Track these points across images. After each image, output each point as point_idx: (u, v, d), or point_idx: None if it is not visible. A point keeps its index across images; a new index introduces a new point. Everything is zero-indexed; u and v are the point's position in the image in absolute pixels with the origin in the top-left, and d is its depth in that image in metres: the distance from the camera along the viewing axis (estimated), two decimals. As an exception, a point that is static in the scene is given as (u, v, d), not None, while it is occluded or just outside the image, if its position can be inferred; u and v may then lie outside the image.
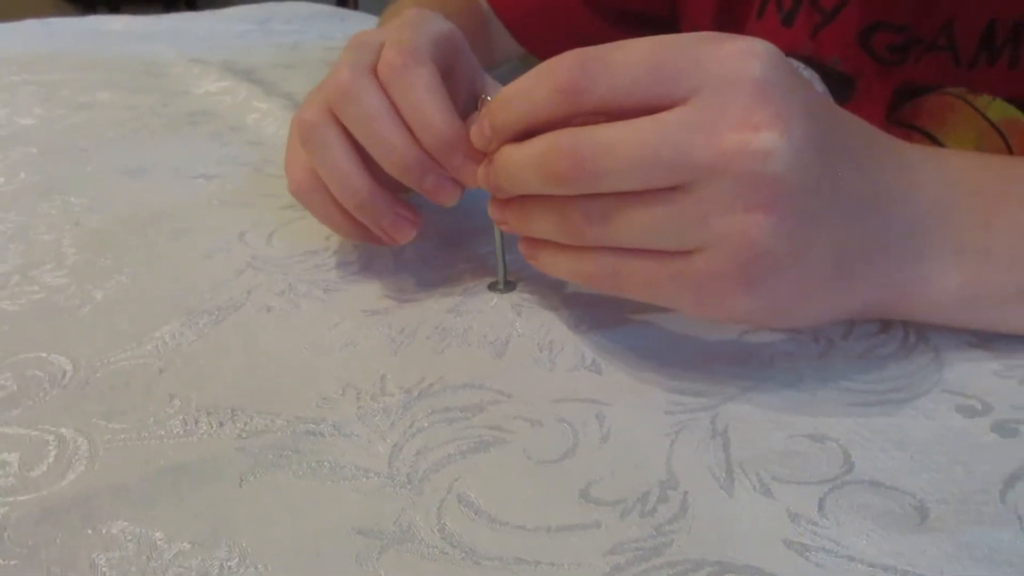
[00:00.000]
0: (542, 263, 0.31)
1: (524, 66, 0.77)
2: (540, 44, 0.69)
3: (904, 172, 0.29)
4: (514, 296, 0.36)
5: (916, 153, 0.30)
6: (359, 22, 1.03)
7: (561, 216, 0.28)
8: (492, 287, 0.36)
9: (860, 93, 0.59)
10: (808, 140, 0.25)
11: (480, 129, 0.30)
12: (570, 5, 0.66)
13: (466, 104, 0.38)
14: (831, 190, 0.26)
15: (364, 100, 0.33)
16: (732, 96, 0.25)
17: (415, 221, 0.35)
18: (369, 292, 0.37)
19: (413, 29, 0.36)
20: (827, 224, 0.27)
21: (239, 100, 0.67)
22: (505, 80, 0.37)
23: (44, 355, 0.33)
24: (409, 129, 0.33)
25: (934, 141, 0.58)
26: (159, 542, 0.24)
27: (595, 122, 0.27)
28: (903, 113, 0.60)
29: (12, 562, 0.23)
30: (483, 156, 0.32)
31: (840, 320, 0.30)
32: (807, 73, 0.62)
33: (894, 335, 0.32)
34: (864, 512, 0.24)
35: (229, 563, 0.23)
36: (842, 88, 0.61)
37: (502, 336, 0.33)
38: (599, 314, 0.34)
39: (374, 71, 0.34)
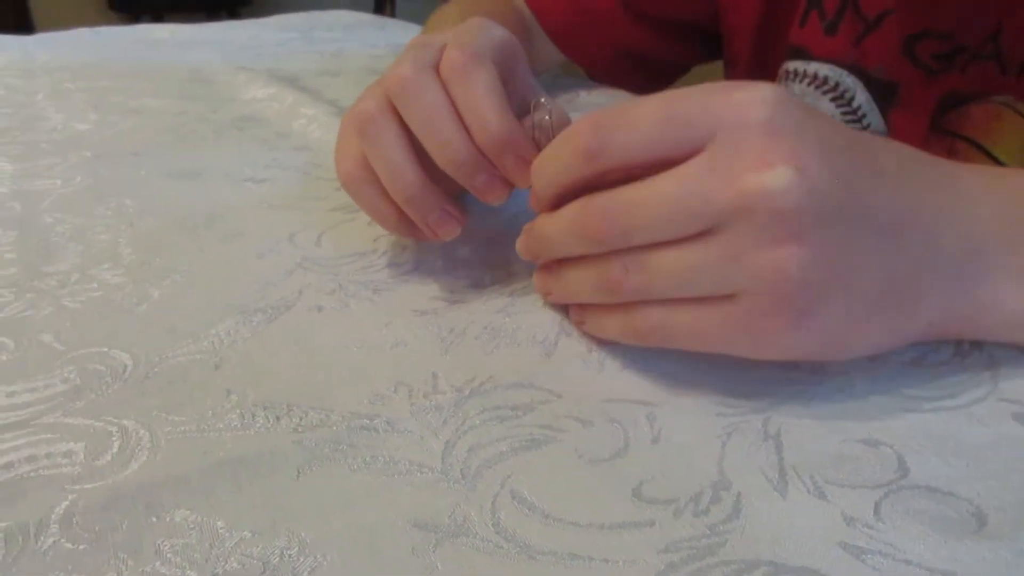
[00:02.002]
0: (590, 326, 0.32)
1: (565, 74, 0.78)
2: (581, 52, 0.70)
3: (952, 190, 0.29)
4: (562, 298, 0.36)
5: (965, 170, 0.30)
6: (399, 30, 1.04)
7: (600, 273, 0.29)
8: (540, 290, 0.37)
9: (903, 101, 0.59)
10: (824, 169, 0.26)
11: (532, 195, 0.33)
12: (612, 14, 0.66)
13: (519, 110, 0.39)
14: (861, 214, 0.27)
15: (424, 95, 0.34)
16: (745, 139, 0.26)
17: (461, 219, 0.36)
18: (418, 293, 0.37)
19: (476, 34, 0.37)
20: (865, 248, 0.27)
21: (286, 106, 0.68)
22: (547, 87, 0.38)
23: (105, 350, 0.33)
24: (465, 127, 0.34)
25: (979, 149, 0.57)
26: (221, 530, 0.24)
27: (624, 182, 0.28)
28: (948, 122, 0.59)
29: (81, 547, 0.24)
30: (534, 156, 0.33)
31: (901, 346, 0.30)
32: (850, 81, 0.62)
33: (947, 343, 0.32)
34: (920, 517, 0.24)
35: (289, 552, 0.23)
36: (886, 97, 0.61)
37: (551, 336, 0.34)
38: (647, 317, 0.34)
39: (436, 69, 0.35)
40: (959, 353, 0.31)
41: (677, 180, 0.27)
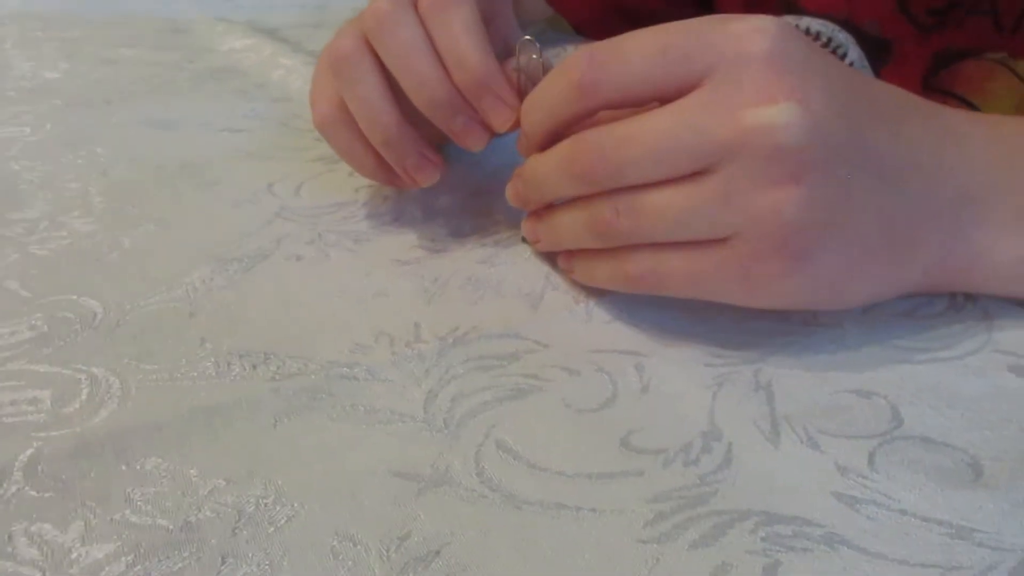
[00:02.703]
0: (580, 272, 0.31)
1: (551, 28, 0.76)
2: (569, 5, 0.68)
3: (951, 137, 0.28)
4: (549, 249, 0.35)
5: (964, 117, 0.29)
6: (383, -15, 1.01)
7: (590, 216, 0.28)
8: (526, 239, 0.36)
9: (897, 58, 0.58)
10: (828, 108, 0.25)
11: (520, 139, 0.31)
12: (601, -35, 0.64)
13: (501, 53, 0.37)
14: (862, 157, 0.26)
15: (401, 31, 0.32)
16: (745, 73, 0.25)
17: (439, 164, 0.35)
18: (400, 242, 0.36)
19: None
20: (864, 192, 0.26)
21: (264, 57, 0.66)
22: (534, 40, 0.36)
23: (74, 298, 0.32)
24: (444, 66, 0.32)
25: (971, 108, 0.57)
26: (194, 478, 0.23)
27: (617, 120, 0.27)
28: (940, 79, 0.58)
29: (47, 494, 0.23)
30: (514, 99, 0.32)
31: (900, 295, 0.29)
32: (843, 36, 0.60)
33: (941, 295, 0.31)
34: (915, 467, 0.23)
35: (265, 500, 0.23)
36: (878, 53, 0.60)
37: (536, 288, 0.33)
38: (636, 268, 0.33)
39: (414, 4, 0.33)
40: (953, 306, 0.31)
41: (673, 114, 0.25)
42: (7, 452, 0.24)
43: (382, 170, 0.36)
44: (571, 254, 0.31)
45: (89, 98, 0.57)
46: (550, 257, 0.34)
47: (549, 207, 0.31)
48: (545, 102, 0.29)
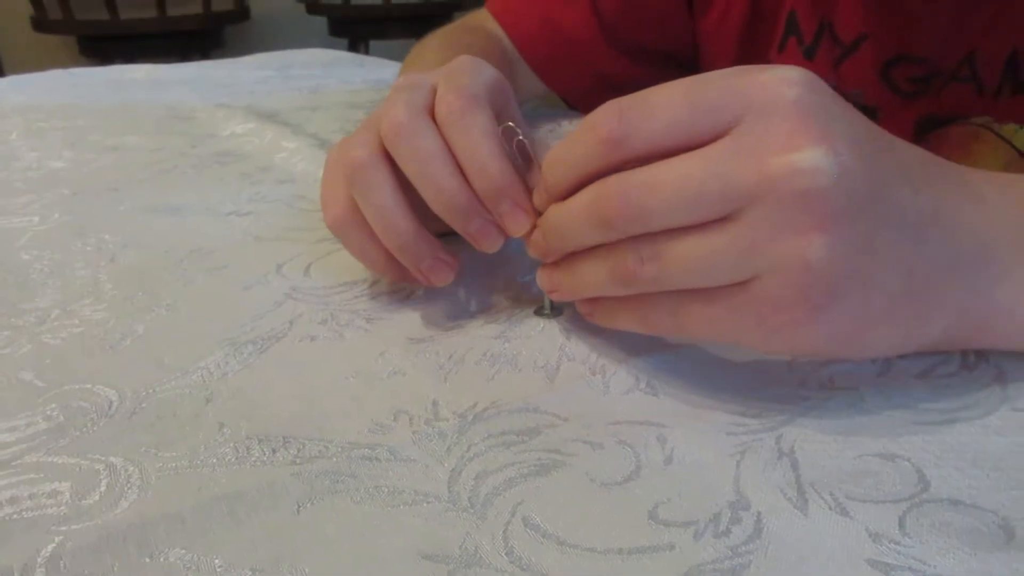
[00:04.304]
0: (600, 316, 0.31)
1: (546, 104, 0.78)
2: (563, 83, 0.70)
3: (970, 196, 0.29)
4: (561, 322, 0.35)
5: (981, 176, 0.30)
6: (377, 67, 1.04)
7: (612, 263, 0.28)
8: (538, 312, 0.36)
9: (882, 125, 0.60)
10: (854, 157, 0.25)
11: (539, 192, 0.31)
12: (593, 43, 0.67)
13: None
14: (886, 209, 0.26)
15: (421, 140, 0.33)
16: (773, 121, 0.25)
17: (453, 265, 0.35)
18: (412, 320, 0.37)
19: (468, 75, 0.36)
20: (886, 244, 0.26)
21: (266, 141, 0.67)
22: (528, 116, 0.37)
23: (89, 387, 0.32)
24: (461, 172, 0.33)
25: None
26: (219, 569, 0.23)
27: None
28: (927, 144, 0.60)
29: (70, 591, 0.22)
30: (531, 204, 0.33)
31: (913, 352, 0.29)
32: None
33: (953, 355, 0.32)
34: (947, 530, 0.23)
35: (294, 589, 0.22)
36: (865, 120, 0.61)
37: (552, 361, 0.33)
38: (650, 338, 0.33)
39: (430, 112, 0.34)
40: (966, 365, 0.31)
41: (699, 160, 0.26)
42: (29, 547, 0.24)
43: (395, 268, 0.36)
44: (592, 299, 0.31)
45: (95, 186, 0.58)
46: (563, 331, 0.35)
47: (568, 256, 0.31)
48: (570, 157, 0.29)
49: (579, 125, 0.29)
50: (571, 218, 0.29)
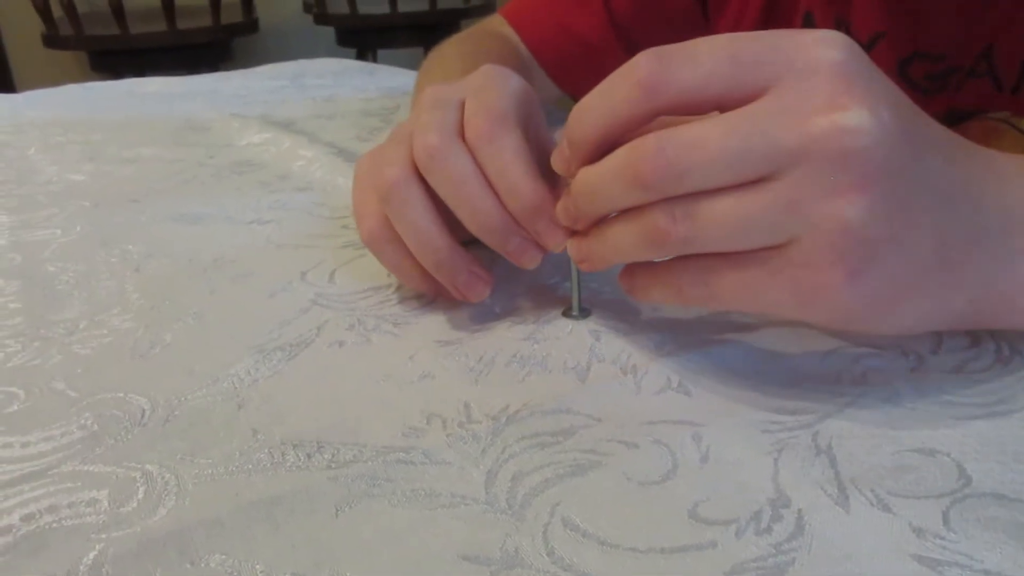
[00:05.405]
0: (639, 290, 0.31)
1: (560, 109, 0.78)
2: (578, 86, 0.70)
3: (993, 173, 0.29)
4: (590, 323, 0.35)
5: (1002, 156, 0.30)
6: (389, 75, 1.04)
7: (644, 225, 0.27)
8: (567, 314, 0.36)
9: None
10: (895, 120, 0.25)
11: (560, 151, 0.30)
12: (607, 47, 0.67)
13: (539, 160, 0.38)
14: (923, 173, 0.26)
15: (453, 164, 0.33)
16: (815, 81, 0.25)
17: (489, 281, 0.35)
18: (440, 324, 0.37)
19: (496, 90, 0.36)
20: (922, 210, 0.26)
21: (283, 149, 0.68)
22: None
23: (121, 395, 0.32)
24: (495, 193, 0.33)
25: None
26: (260, 574, 0.23)
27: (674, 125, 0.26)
28: (947, 139, 0.60)
29: (114, 598, 0.22)
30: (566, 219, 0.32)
31: (940, 327, 0.29)
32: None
33: (986, 348, 0.32)
34: (992, 525, 0.23)
35: (337, 593, 0.22)
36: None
37: (583, 361, 0.33)
38: (679, 337, 0.33)
39: (461, 134, 0.34)
40: (1000, 359, 0.31)
41: (741, 117, 0.25)
42: (71, 555, 0.24)
43: (429, 283, 0.36)
44: (632, 273, 0.31)
45: (115, 198, 0.58)
46: (592, 331, 0.35)
47: (598, 224, 0.30)
48: (602, 104, 0.28)
49: (614, 72, 0.27)
50: (604, 180, 0.28)
